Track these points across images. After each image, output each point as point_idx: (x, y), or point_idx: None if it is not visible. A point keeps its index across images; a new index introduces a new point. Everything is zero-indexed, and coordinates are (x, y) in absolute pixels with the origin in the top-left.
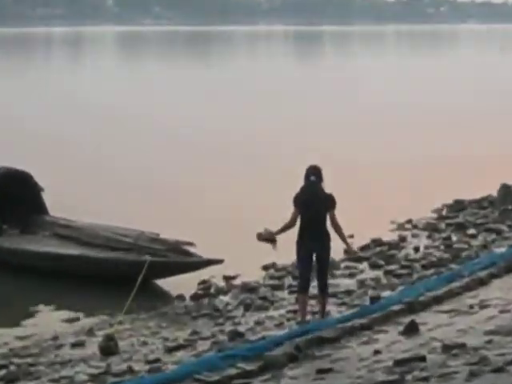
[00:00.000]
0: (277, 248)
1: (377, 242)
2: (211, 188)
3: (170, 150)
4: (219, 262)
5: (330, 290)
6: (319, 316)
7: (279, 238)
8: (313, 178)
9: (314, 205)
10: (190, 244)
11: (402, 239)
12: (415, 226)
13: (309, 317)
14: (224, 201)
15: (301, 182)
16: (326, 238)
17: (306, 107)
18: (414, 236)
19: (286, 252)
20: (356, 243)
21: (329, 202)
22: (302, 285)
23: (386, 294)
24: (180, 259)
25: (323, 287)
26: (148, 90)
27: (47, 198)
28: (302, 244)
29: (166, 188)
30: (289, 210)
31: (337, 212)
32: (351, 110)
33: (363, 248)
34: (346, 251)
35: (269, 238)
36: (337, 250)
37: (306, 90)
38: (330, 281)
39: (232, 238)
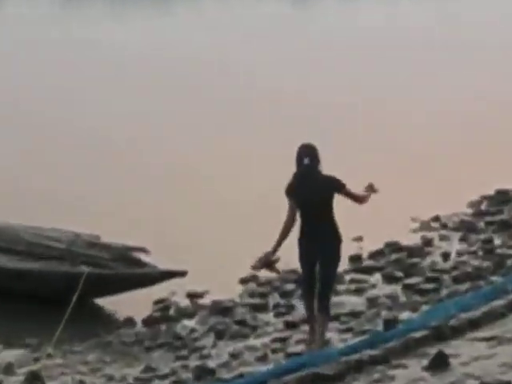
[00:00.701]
0: (279, 271)
1: (393, 247)
2: (173, 173)
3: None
4: (182, 273)
5: (332, 310)
6: (316, 345)
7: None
8: (307, 160)
9: (312, 195)
10: (143, 250)
11: (427, 243)
12: (444, 225)
13: (302, 346)
14: (189, 191)
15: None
16: (331, 237)
17: None
18: (442, 238)
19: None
20: (365, 248)
21: (332, 186)
22: (305, 299)
23: (405, 316)
24: (129, 271)
25: (322, 306)
26: None
27: None
28: (302, 245)
29: (119, 175)
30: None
31: (339, 203)
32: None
33: (374, 255)
34: (369, 188)
35: (268, 262)
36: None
37: None
38: (333, 299)
39: (199, 243)
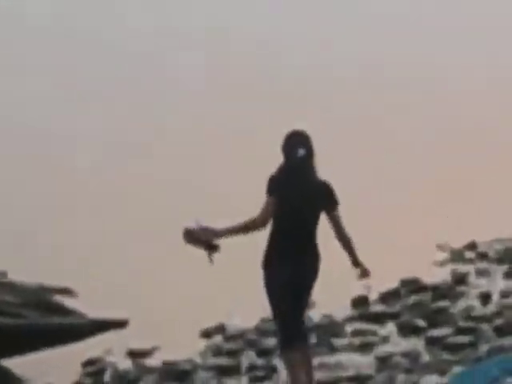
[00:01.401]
0: (213, 262)
1: (412, 286)
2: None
3: None
4: (121, 324)
5: (328, 374)
6: None
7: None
8: (302, 151)
9: (299, 198)
10: (67, 292)
11: (459, 279)
12: (483, 255)
13: None
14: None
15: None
16: (313, 257)
17: None
18: (480, 273)
19: (248, 294)
20: (374, 287)
21: (324, 196)
22: (286, 335)
23: (429, 381)
24: (47, 320)
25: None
26: None
27: None
28: (274, 265)
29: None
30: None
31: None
32: None
33: (386, 296)
34: (360, 270)
35: (205, 239)
36: (340, 298)
37: None
38: (329, 358)
39: (145, 283)
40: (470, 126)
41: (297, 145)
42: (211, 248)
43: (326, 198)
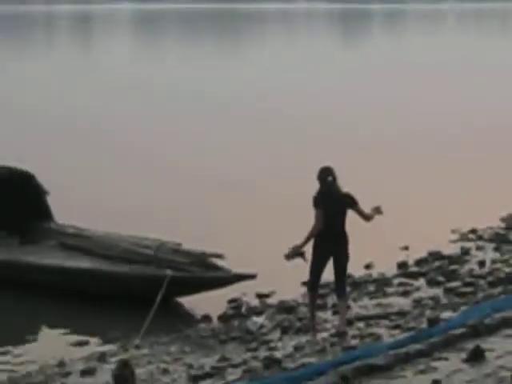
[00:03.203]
0: (306, 260)
1: (435, 256)
2: (244, 189)
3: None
4: (252, 277)
5: (381, 310)
6: (340, 325)
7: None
8: (330, 178)
9: (333, 205)
10: (219, 256)
11: (465, 252)
12: (481, 237)
13: (357, 341)
14: (259, 206)
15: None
16: (344, 239)
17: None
18: (479, 248)
19: (329, 266)
20: (411, 256)
21: (348, 200)
22: (312, 282)
23: (446, 315)
24: (206, 274)
25: (342, 292)
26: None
27: (53, 201)
28: (319, 245)
29: (195, 192)
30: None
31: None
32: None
33: (419, 262)
34: (375, 210)
35: (296, 253)
36: (389, 263)
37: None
38: (382, 300)
39: (266, 249)
40: None
41: (326, 175)
42: (301, 254)
43: (349, 201)
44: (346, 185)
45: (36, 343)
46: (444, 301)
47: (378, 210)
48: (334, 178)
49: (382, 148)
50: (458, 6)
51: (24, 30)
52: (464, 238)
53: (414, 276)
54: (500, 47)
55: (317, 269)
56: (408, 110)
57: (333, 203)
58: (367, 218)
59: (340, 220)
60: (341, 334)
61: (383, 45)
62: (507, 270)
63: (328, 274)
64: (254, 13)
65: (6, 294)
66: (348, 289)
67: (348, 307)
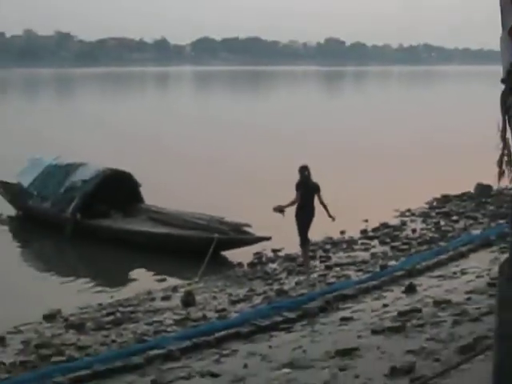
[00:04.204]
0: (284, 215)
1: (385, 225)
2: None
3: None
4: (268, 238)
5: (350, 260)
6: (304, 262)
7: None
8: (306, 173)
9: (309, 189)
10: (247, 225)
11: (403, 223)
12: (413, 214)
13: (335, 279)
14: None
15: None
16: (313, 211)
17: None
18: (412, 221)
19: (318, 231)
20: (370, 225)
21: (316, 188)
22: (302, 240)
23: (391, 263)
24: (239, 236)
25: (307, 239)
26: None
27: (144, 191)
28: (302, 214)
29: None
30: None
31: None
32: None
33: (374, 230)
34: (330, 217)
35: (280, 209)
36: (355, 230)
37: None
38: (351, 253)
39: (278, 222)
40: None
41: (304, 170)
42: (282, 212)
43: (316, 187)
44: (322, 179)
45: (132, 280)
46: (390, 254)
47: (332, 218)
48: (309, 173)
49: (353, 156)
50: (406, 68)
51: (132, 85)
52: (402, 214)
53: (371, 238)
54: (424, 96)
55: (302, 231)
56: (370, 133)
57: (307, 188)
58: (322, 203)
59: (311, 199)
60: (303, 265)
61: (356, 95)
62: (430, 234)
63: (314, 236)
64: (271, 71)
65: (114, 249)
66: (329, 246)
67: (312, 256)
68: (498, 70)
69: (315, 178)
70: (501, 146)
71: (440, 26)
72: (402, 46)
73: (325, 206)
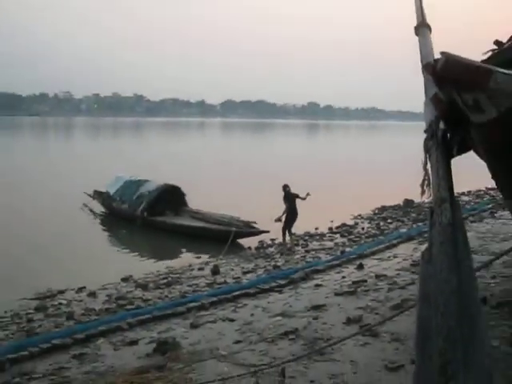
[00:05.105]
0: (281, 221)
1: (344, 225)
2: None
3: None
4: (267, 232)
5: (320, 247)
6: (290, 246)
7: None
8: (288, 188)
9: (291, 200)
10: (254, 222)
11: (356, 223)
12: (362, 217)
13: (311, 259)
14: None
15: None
16: (296, 213)
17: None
18: (362, 222)
19: (300, 228)
20: (334, 224)
21: (295, 195)
22: (289, 233)
23: (348, 249)
24: (249, 230)
25: (291, 233)
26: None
27: (189, 198)
28: (288, 216)
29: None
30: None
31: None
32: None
33: (337, 227)
34: (307, 195)
35: (278, 219)
36: (324, 227)
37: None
38: (322, 242)
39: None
40: None
41: (286, 187)
42: (280, 220)
43: (295, 196)
44: (300, 188)
45: (179, 257)
46: (347, 243)
47: (307, 194)
48: (289, 188)
49: (325, 175)
50: (360, 122)
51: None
52: (356, 217)
53: (335, 233)
54: (371, 141)
55: (289, 227)
56: (336, 160)
57: (290, 199)
58: (300, 198)
59: (294, 205)
60: (290, 249)
61: (325, 139)
62: (373, 231)
63: (298, 231)
64: (271, 123)
65: (168, 236)
66: (307, 237)
67: (296, 243)
68: (423, 125)
69: (297, 190)
70: (423, 173)
71: (384, 93)
72: (357, 108)
73: (302, 198)
